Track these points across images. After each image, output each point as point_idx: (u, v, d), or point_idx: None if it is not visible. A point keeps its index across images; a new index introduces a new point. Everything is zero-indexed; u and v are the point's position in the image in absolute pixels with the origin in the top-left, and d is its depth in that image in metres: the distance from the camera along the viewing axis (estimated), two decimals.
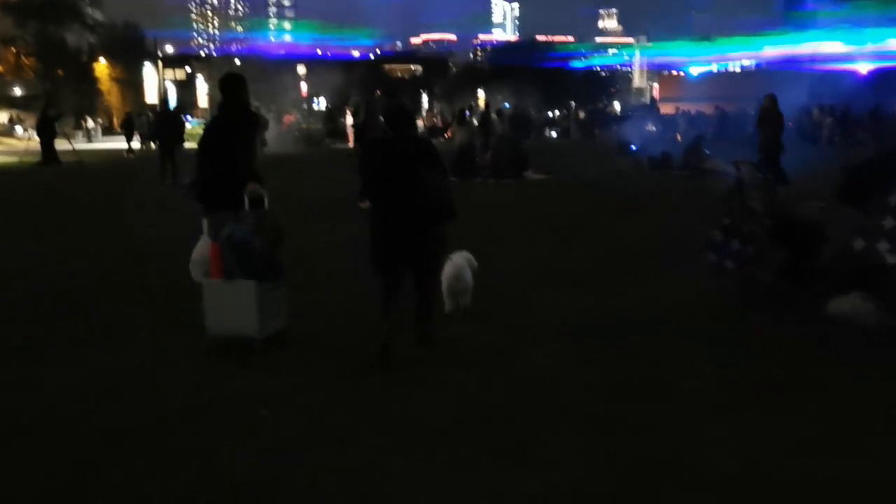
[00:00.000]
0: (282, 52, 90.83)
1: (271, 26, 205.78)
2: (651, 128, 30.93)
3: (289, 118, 42.14)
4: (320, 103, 57.78)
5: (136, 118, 33.80)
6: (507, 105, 34.15)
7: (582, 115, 41.09)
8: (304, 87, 60.82)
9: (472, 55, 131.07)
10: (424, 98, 63.92)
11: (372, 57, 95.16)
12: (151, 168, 18.85)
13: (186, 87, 59.97)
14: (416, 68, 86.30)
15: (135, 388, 4.80)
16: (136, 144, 32.06)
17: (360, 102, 19.04)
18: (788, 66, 58.05)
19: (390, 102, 10.26)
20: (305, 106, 58.55)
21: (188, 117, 56.15)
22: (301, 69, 63.83)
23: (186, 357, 5.35)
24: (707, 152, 18.22)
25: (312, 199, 13.55)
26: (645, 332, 5.78)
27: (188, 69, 66.52)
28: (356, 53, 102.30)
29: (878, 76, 49.82)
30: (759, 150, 13.52)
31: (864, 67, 53.66)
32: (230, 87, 5.87)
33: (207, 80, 54.80)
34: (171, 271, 7.22)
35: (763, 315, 6.04)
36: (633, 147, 25.46)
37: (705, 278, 6.87)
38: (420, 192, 5.04)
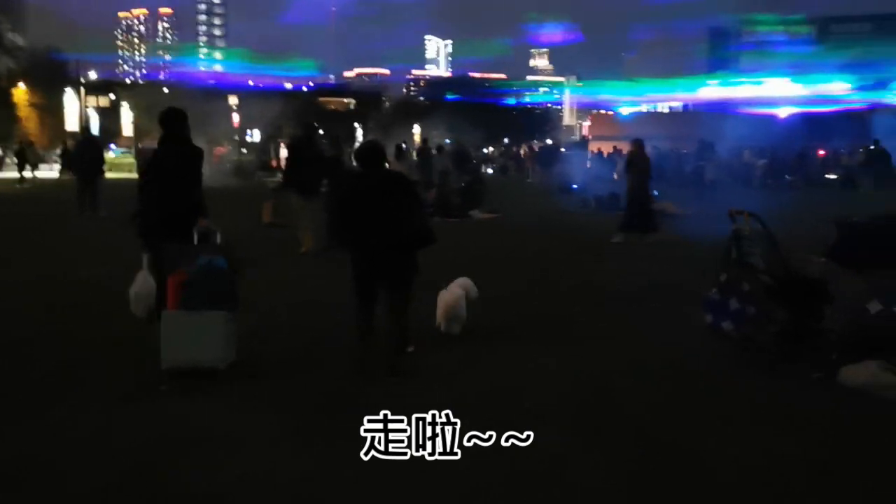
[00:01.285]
0: (212, 81, 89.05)
1: (201, 54, 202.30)
2: (588, 165, 30.95)
3: (220, 150, 40.76)
4: (253, 135, 56.45)
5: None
6: (448, 141, 33.70)
7: (525, 150, 40.99)
8: (235, 117, 59.40)
9: (405, 90, 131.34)
10: (359, 132, 63.21)
11: (305, 89, 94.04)
12: (51, 198, 17.70)
13: (110, 115, 57.84)
14: (350, 101, 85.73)
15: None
16: (27, 174, 30.96)
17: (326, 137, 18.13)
18: (714, 109, 59.65)
19: (365, 142, 9.67)
20: (237, 137, 57.11)
21: (112, 146, 54.13)
22: (233, 99, 62.42)
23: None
24: (655, 193, 17.91)
25: (246, 234, 12.60)
26: (646, 402, 5.12)
27: (112, 96, 64.27)
28: (289, 85, 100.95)
29: (796, 121, 51.67)
30: (626, 195, 13.18)
31: (783, 112, 55.60)
32: (172, 120, 5.88)
33: (133, 107, 52.90)
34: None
35: (770, 382, 5.45)
36: (574, 186, 25.26)
37: (690, 333, 6.39)
38: (394, 223, 5.35)
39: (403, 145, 23.66)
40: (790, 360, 5.75)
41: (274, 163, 35.10)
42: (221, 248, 5.64)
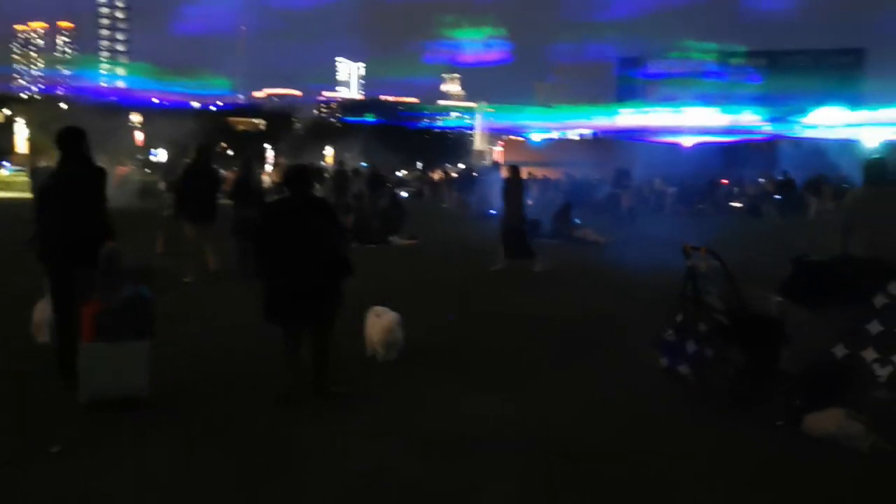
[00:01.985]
0: (113, 96, 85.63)
1: (102, 69, 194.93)
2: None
3: (122, 170, 38.77)
4: (158, 154, 54.30)
5: None
6: (364, 164, 33.05)
7: (439, 175, 40.66)
8: (139, 135, 57.03)
9: (316, 111, 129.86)
10: (270, 153, 61.75)
11: (213, 108, 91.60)
12: None
13: (4, 131, 54.66)
14: (260, 122, 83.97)
15: None
16: None
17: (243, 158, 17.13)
18: (624, 137, 61.07)
19: (292, 164, 9.13)
20: (141, 157, 54.80)
21: (5, 163, 50.96)
22: (136, 117, 59.99)
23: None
24: (577, 221, 17.80)
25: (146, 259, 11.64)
26: (604, 451, 4.76)
27: (6, 111, 60.81)
28: (196, 103, 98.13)
29: (704, 150, 53.46)
30: (501, 223, 12.98)
31: (690, 141, 57.45)
32: (71, 140, 5.62)
33: (28, 123, 50.07)
34: None
35: (733, 430, 5.11)
36: (493, 211, 25.00)
37: (643, 374, 6.05)
38: (319, 249, 5.40)
39: (322, 168, 23.02)
40: (751, 405, 5.41)
41: None
42: (142, 274, 5.56)
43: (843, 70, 55.33)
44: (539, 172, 41.70)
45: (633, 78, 63.07)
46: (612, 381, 6.12)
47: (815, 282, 5.64)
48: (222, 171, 41.93)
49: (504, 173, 13.61)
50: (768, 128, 55.35)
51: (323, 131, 73.13)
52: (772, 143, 52.68)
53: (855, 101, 54.38)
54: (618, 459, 4.66)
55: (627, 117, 61.23)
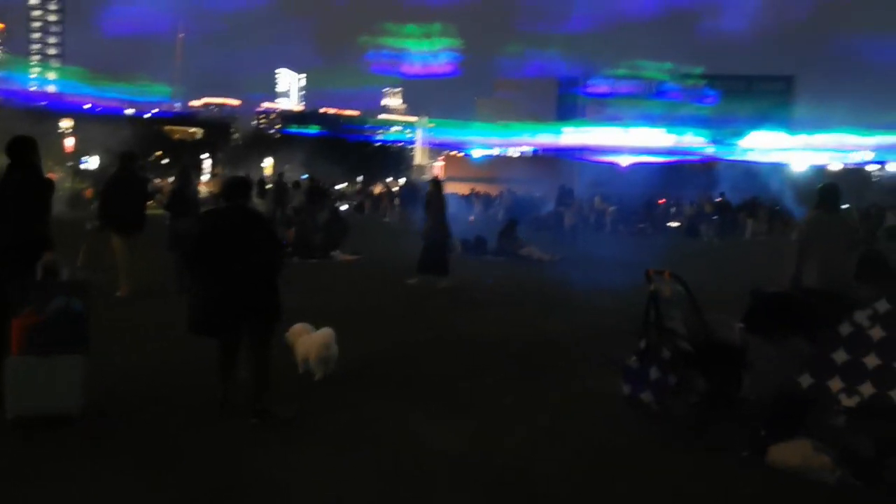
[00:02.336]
0: (44, 101, 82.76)
1: (32, 72, 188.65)
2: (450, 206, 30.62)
3: (51, 177, 37.31)
4: (89, 162, 52.54)
5: None
6: (305, 176, 32.44)
7: (381, 188, 40.25)
8: (69, 142, 55.12)
9: (256, 122, 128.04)
10: (207, 163, 60.46)
11: (149, 116, 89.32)
12: None
13: None
14: (197, 131, 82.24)
15: None
16: None
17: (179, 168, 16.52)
18: (564, 155, 61.81)
19: (229, 176, 8.80)
20: (71, 164, 52.94)
21: None
22: (67, 123, 58.02)
23: None
24: (521, 238, 17.69)
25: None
26: (563, 480, 4.53)
27: None
28: (130, 111, 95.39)
29: (643, 169, 54.45)
30: (423, 238, 12.89)
31: (626, 160, 58.47)
32: (20, 148, 5.65)
33: None
34: None
35: (698, 462, 4.92)
36: None
37: (605, 402, 5.86)
38: (255, 261, 5.26)
39: (263, 180, 22.48)
40: (714, 433, 5.25)
41: None
42: (76, 287, 5.37)
43: (775, 95, 57.07)
44: (481, 188, 41.83)
45: (575, 96, 64.00)
46: (570, 408, 5.90)
47: (773, 315, 5.53)
48: (158, 181, 40.82)
49: (432, 188, 13.38)
50: (706, 149, 56.70)
51: (262, 142, 72.03)
52: (709, 164, 53.96)
53: (786, 126, 56.14)
54: (576, 489, 4.45)
55: (568, 135, 61.93)
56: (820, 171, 59.18)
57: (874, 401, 4.71)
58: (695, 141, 56.84)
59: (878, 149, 66.32)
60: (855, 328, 4.85)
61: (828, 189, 6.93)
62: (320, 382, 6.28)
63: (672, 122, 57.58)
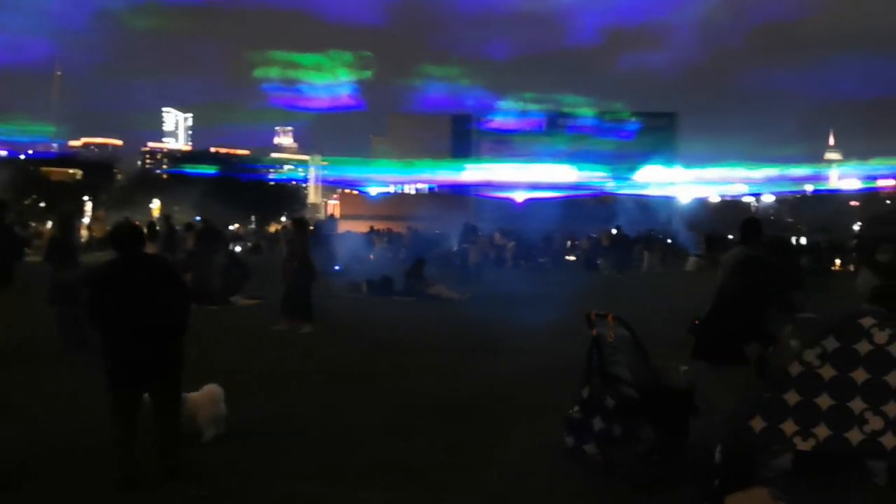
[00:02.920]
0: None
1: None
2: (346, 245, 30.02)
3: None
4: None
5: None
6: (197, 218, 31.13)
7: (278, 228, 39.16)
8: None
9: (141, 162, 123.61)
10: (88, 206, 57.54)
11: (24, 157, 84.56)
12: None
13: None
14: (77, 172, 78.43)
15: None
16: None
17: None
18: (460, 191, 62.33)
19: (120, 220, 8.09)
20: None
21: None
22: None
23: None
24: (429, 277, 17.34)
25: None
26: None
27: None
28: (3, 152, 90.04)
29: (539, 204, 55.50)
30: (284, 280, 12.57)
31: (521, 196, 59.51)
32: None
33: None
34: None
35: None
36: (337, 267, 24.13)
37: (546, 456, 5.46)
38: (159, 312, 4.96)
39: (152, 222, 21.34)
40: (664, 485, 4.95)
41: None
42: None
43: (661, 131, 59.44)
44: (381, 226, 41.38)
45: (470, 132, 64.71)
46: (509, 463, 5.48)
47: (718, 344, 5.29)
48: (34, 226, 38.37)
49: (294, 228, 12.97)
50: (599, 183, 58.36)
51: (148, 183, 69.30)
52: (603, 198, 55.54)
53: (672, 160, 58.54)
54: None
55: (464, 171, 62.54)
56: (702, 203, 62.05)
57: (829, 444, 4.53)
58: (588, 175, 58.47)
59: (751, 182, 70.23)
60: (805, 367, 4.67)
61: (750, 224, 6.89)
62: (209, 445, 5.69)
63: (565, 157, 59.08)
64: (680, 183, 59.86)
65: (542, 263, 29.66)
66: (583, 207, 54.17)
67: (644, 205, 51.54)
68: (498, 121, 63.47)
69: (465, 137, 65.71)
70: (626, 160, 57.52)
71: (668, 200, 56.96)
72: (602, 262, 28.83)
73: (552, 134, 61.23)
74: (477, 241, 24.16)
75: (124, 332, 4.91)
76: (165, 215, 28.32)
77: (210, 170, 75.32)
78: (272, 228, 43.79)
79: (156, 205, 54.53)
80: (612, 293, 18.60)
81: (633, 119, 60.91)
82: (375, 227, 39.95)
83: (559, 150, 59.25)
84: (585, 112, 62.05)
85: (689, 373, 5.25)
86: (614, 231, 28.42)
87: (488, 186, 61.34)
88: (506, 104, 64.89)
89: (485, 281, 20.94)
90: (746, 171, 68.37)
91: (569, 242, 36.98)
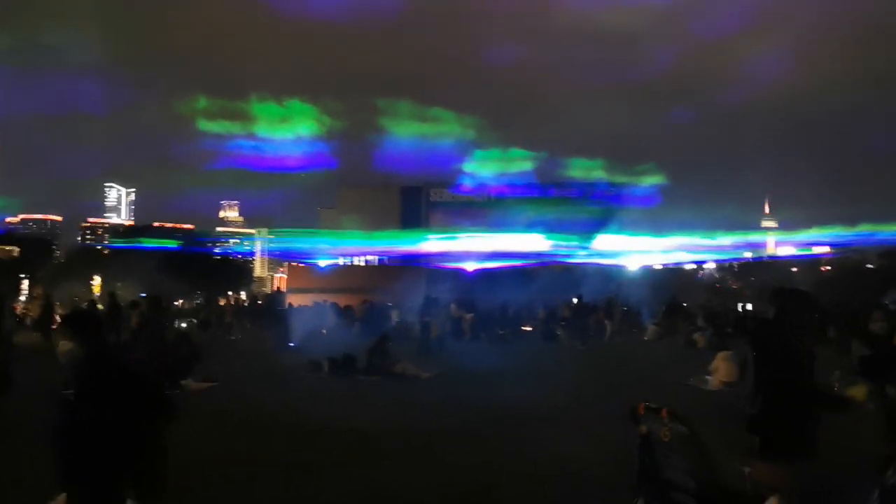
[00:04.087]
0: None
1: None
2: (300, 320, 28.95)
3: None
4: None
5: None
6: (143, 294, 29.69)
7: (226, 303, 37.76)
8: None
9: (81, 238, 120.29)
10: (25, 284, 55.17)
11: None
12: None
13: None
14: (13, 249, 75.65)
15: None
16: None
17: None
18: (411, 263, 61.73)
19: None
20: None
21: None
22: None
23: None
24: (393, 353, 16.45)
25: None
26: None
27: None
28: None
29: (487, 275, 55.12)
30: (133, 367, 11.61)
31: (471, 266, 59.08)
32: None
33: None
34: None
35: None
36: (292, 343, 23.06)
37: None
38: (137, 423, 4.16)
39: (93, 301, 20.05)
40: None
41: None
42: None
43: (604, 202, 60.10)
44: (331, 299, 40.29)
45: (420, 203, 64.51)
46: None
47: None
48: None
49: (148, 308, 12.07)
50: (552, 253, 58.39)
51: (89, 258, 67.01)
52: (551, 266, 55.47)
53: (619, 229, 59.05)
54: None
55: (415, 242, 62.03)
56: (648, 271, 62.52)
57: None
58: (538, 245, 58.52)
59: (692, 249, 71.34)
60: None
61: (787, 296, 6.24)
62: None
63: (514, 227, 59.13)
64: (626, 251, 60.39)
65: (502, 335, 28.93)
66: (534, 276, 53.93)
67: (594, 273, 51.56)
68: (444, 195, 63.47)
69: (414, 208, 65.44)
70: (575, 229, 57.85)
71: (616, 269, 57.23)
72: (562, 332, 28.27)
73: (502, 203, 61.39)
74: (438, 314, 23.33)
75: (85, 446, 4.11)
76: (110, 292, 27.00)
77: (154, 244, 73.43)
78: (221, 303, 42.29)
79: (97, 281, 52.55)
80: (588, 367, 17.97)
81: (579, 189, 61.61)
82: (327, 300, 38.84)
83: (509, 219, 59.31)
84: (529, 185, 62.61)
85: (754, 475, 4.52)
86: (575, 300, 27.90)
87: (438, 257, 60.85)
88: (452, 179, 64.88)
89: (448, 356, 20.10)
90: (687, 239, 69.46)
91: (523, 313, 36.37)
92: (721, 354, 13.96)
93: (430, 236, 62.19)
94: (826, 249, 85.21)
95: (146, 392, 4.35)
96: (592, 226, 57.63)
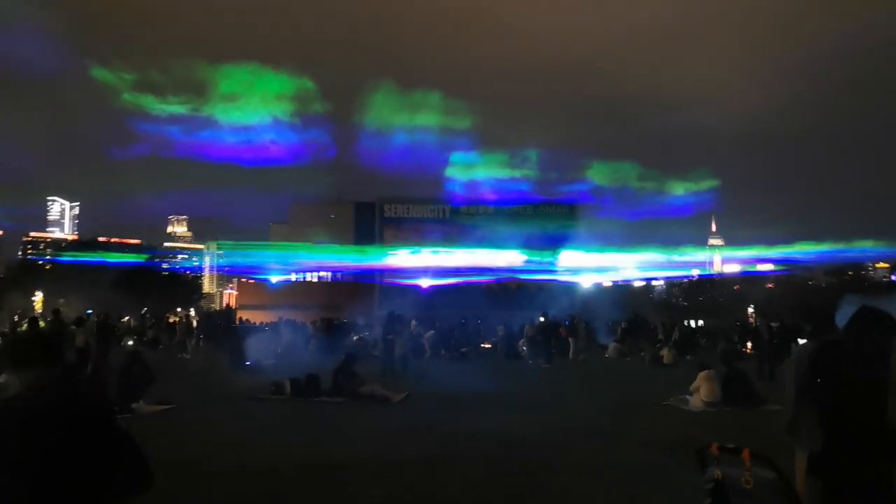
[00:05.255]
0: None
1: None
2: (256, 338, 27.98)
3: None
4: None
5: None
6: (89, 312, 28.39)
7: (177, 320, 36.36)
8: None
9: (21, 253, 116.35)
10: None
11: None
12: None
13: None
14: None
15: None
16: None
17: None
18: (364, 278, 60.94)
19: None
20: None
21: None
22: None
23: None
24: (360, 374, 15.71)
25: None
26: None
27: None
28: None
29: (439, 291, 54.68)
30: None
31: (425, 282, 58.52)
32: None
33: None
34: None
35: None
36: (248, 363, 22.13)
37: None
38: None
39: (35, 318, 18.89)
40: None
41: None
42: None
43: (561, 218, 60.19)
44: (283, 315, 39.27)
45: (374, 219, 63.76)
46: None
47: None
48: None
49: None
50: (510, 270, 58.14)
51: (30, 275, 64.45)
52: (515, 283, 55.27)
53: (572, 246, 59.12)
54: None
55: (369, 258, 61.17)
56: (600, 288, 62.73)
57: None
58: (498, 260, 58.21)
59: (641, 266, 72.02)
60: None
61: (822, 311, 5.70)
62: None
63: (471, 244, 58.80)
64: (581, 269, 60.55)
65: (465, 353, 28.35)
66: (490, 293, 53.59)
67: (551, 290, 51.44)
68: (398, 210, 62.78)
69: (368, 224, 64.69)
70: (531, 246, 57.77)
71: (572, 286, 57.25)
72: (526, 349, 27.80)
73: (456, 219, 61.04)
74: (402, 331, 22.62)
75: None
76: (55, 309, 25.66)
77: (99, 259, 71.13)
78: (170, 320, 40.85)
79: (38, 297, 50.51)
80: (563, 389, 17.44)
81: (530, 208, 61.65)
82: (283, 317, 37.86)
83: (465, 235, 59.02)
84: (483, 204, 62.37)
85: None
86: (542, 318, 27.45)
87: (393, 273, 60.18)
88: (405, 197, 64.10)
89: (414, 375, 19.41)
90: (637, 256, 70.02)
91: (481, 329, 35.91)
92: (702, 374, 13.57)
93: (392, 252, 61.44)
94: (770, 267, 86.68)
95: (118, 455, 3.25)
96: (553, 241, 57.60)
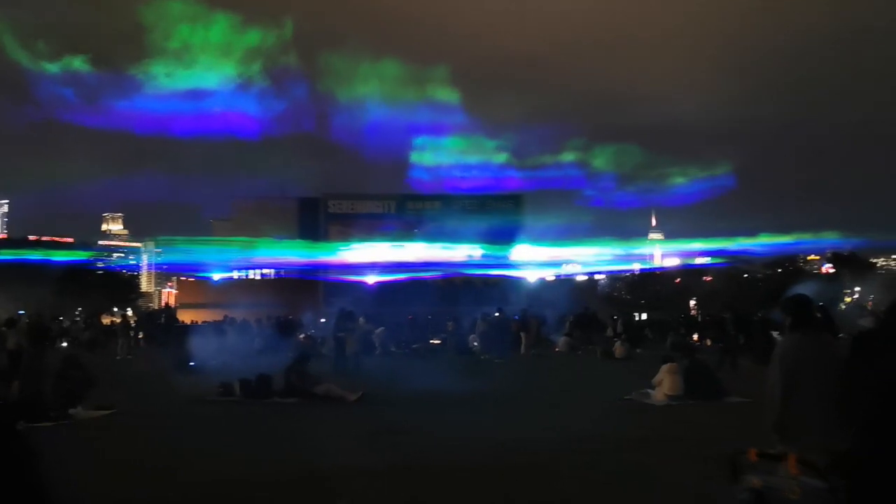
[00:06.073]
0: None
1: None
2: (200, 338, 27.00)
3: None
4: None
5: None
6: (21, 312, 26.98)
7: (115, 320, 34.93)
8: None
9: None
10: None
11: None
12: None
13: None
14: None
15: None
16: None
17: None
18: (308, 275, 59.99)
19: None
20: None
21: None
22: None
23: None
24: (314, 373, 15.10)
25: None
26: None
27: None
28: None
29: (385, 287, 54.18)
30: None
31: (372, 279, 57.88)
32: None
33: None
34: None
35: None
36: (192, 363, 21.24)
37: None
38: None
39: None
40: None
41: None
42: None
43: (506, 212, 60.00)
44: (228, 314, 38.25)
45: (317, 214, 62.77)
46: None
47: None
48: None
49: None
50: (456, 263, 57.85)
51: None
52: (453, 278, 55.01)
53: (519, 240, 58.99)
54: None
55: (315, 254, 60.15)
56: (544, 283, 62.92)
57: None
58: (445, 255, 57.80)
59: (583, 260, 72.61)
60: None
61: (800, 303, 5.42)
62: None
63: (417, 236, 58.41)
64: (528, 263, 60.59)
65: (416, 349, 27.87)
66: (437, 289, 53.13)
67: (499, 285, 51.37)
68: (342, 207, 61.85)
69: (312, 220, 63.62)
70: (482, 239, 57.43)
71: (519, 281, 57.22)
72: (477, 345, 27.45)
73: (402, 214, 60.47)
74: (354, 329, 21.99)
75: None
76: None
77: (29, 258, 68.46)
78: (107, 321, 39.38)
79: None
80: (521, 384, 17.12)
81: (475, 200, 61.31)
82: (228, 315, 36.85)
83: (410, 230, 58.62)
84: (427, 199, 61.88)
85: None
86: (497, 314, 27.11)
87: (337, 269, 59.29)
88: (348, 193, 63.15)
89: (367, 373, 18.84)
90: (579, 250, 70.37)
91: (429, 325, 35.45)
92: (665, 367, 13.37)
93: (339, 249, 60.50)
94: (707, 260, 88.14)
95: None
96: (501, 235, 57.36)
